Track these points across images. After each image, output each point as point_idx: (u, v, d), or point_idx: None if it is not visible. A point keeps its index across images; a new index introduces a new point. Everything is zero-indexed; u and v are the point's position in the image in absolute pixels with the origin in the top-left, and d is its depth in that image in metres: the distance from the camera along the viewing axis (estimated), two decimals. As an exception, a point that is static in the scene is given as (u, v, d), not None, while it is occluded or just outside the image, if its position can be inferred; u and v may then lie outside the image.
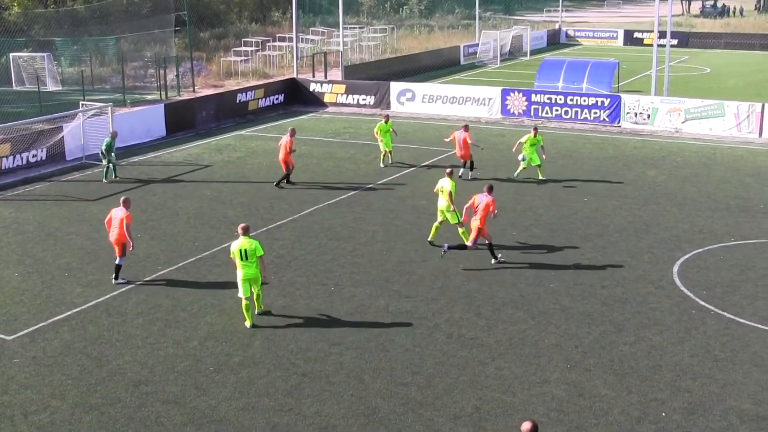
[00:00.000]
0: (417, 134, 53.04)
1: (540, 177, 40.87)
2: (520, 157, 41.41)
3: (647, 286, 28.37)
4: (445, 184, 31.93)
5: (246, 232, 25.71)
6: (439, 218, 32.43)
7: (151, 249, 32.50)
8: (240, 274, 25.56)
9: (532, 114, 57.11)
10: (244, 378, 22.58)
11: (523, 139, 40.92)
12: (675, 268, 29.91)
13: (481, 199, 30.33)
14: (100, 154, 42.40)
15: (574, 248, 31.99)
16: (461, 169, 41.61)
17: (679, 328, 25.17)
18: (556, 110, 56.57)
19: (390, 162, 45.42)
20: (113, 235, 28.97)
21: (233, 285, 27.87)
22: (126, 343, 24.67)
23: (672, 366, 22.90)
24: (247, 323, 25.83)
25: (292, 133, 40.84)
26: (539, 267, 30.17)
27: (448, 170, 32.98)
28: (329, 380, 22.40)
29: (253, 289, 25.96)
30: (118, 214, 28.94)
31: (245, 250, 25.39)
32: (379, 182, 41.27)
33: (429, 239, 32.53)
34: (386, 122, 45.15)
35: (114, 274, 29.42)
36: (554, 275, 29.39)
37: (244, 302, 25.76)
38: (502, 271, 29.71)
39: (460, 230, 31.75)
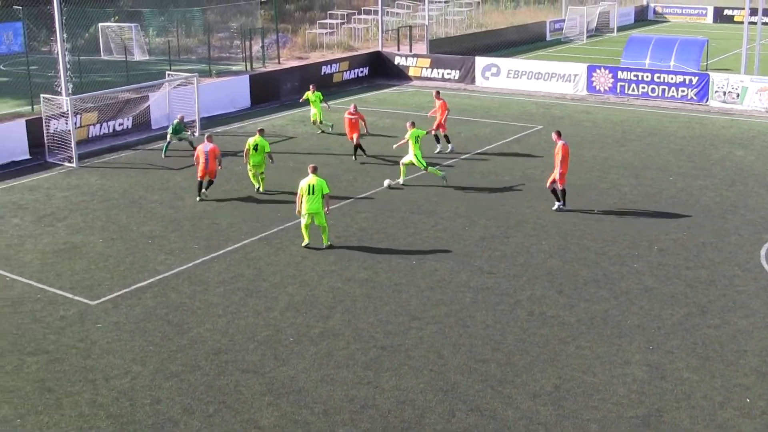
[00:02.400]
0: (501, 110, 52.68)
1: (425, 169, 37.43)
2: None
3: (733, 269, 27.92)
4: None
5: (314, 171, 29.47)
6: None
7: (234, 219, 32.65)
8: (304, 207, 29.02)
9: (618, 91, 56.43)
10: (323, 349, 22.60)
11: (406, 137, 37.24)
12: (762, 251, 29.39)
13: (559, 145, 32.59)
14: (167, 133, 42.67)
15: (658, 228, 31.59)
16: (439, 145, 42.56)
17: (765, 313, 24.71)
18: (643, 88, 55.82)
19: (323, 130, 47.09)
20: (202, 168, 34.42)
21: (315, 256, 28.26)
22: (207, 312, 24.83)
23: (758, 351, 22.50)
24: (306, 241, 29.74)
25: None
26: (623, 246, 29.83)
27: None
28: (408, 354, 22.35)
29: (316, 221, 29.37)
30: (206, 148, 34.43)
31: (312, 186, 28.99)
32: (462, 157, 41.04)
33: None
34: (313, 92, 46.81)
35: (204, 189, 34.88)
36: (638, 255, 29.05)
37: (303, 223, 29.50)
38: (585, 250, 29.43)
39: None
